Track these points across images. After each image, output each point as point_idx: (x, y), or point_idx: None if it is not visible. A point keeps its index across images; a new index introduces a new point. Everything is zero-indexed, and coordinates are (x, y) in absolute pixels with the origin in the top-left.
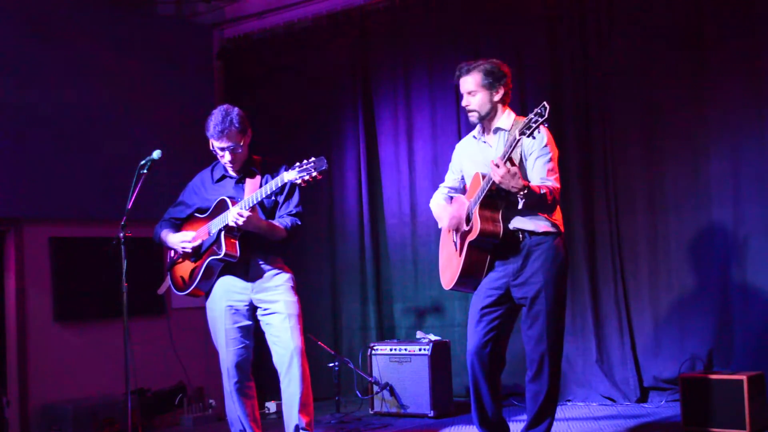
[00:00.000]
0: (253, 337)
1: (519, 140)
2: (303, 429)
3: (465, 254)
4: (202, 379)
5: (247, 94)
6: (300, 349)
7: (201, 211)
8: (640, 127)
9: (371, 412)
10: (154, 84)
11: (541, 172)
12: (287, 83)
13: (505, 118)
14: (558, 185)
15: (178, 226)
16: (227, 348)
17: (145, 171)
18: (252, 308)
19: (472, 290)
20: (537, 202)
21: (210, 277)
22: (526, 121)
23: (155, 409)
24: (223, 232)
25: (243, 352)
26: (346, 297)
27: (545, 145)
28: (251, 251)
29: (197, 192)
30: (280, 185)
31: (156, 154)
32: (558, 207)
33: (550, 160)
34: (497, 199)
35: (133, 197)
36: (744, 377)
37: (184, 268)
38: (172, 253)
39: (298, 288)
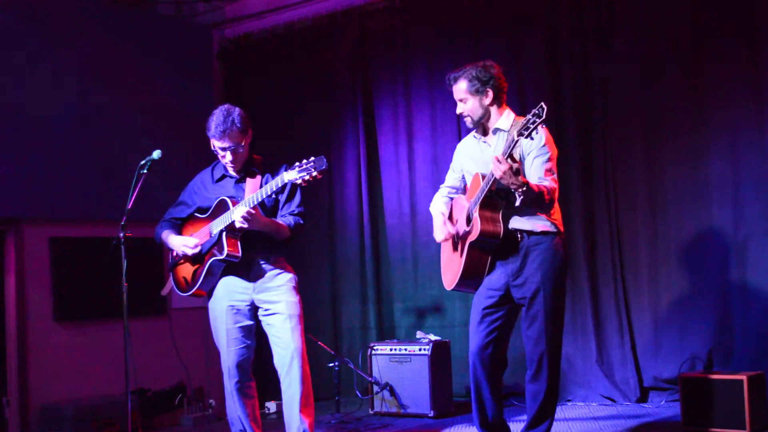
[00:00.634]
0: (255, 337)
1: (517, 141)
2: (304, 430)
3: (466, 255)
4: (202, 379)
5: (247, 94)
6: (300, 349)
7: (201, 210)
8: (640, 128)
9: (371, 412)
10: (154, 84)
11: (539, 172)
12: (287, 83)
13: (504, 119)
14: (555, 185)
15: (178, 226)
16: (228, 348)
17: (145, 171)
18: (253, 308)
19: (474, 291)
20: (534, 200)
21: (212, 278)
22: (524, 122)
23: (155, 409)
24: (224, 233)
25: (244, 352)
26: (346, 297)
27: (543, 145)
28: (253, 251)
29: (198, 192)
30: (280, 185)
31: (156, 154)
32: (557, 206)
33: (549, 159)
34: (497, 200)
35: (133, 197)
36: (744, 377)
37: (187, 269)
38: (174, 253)
39: (299, 288)
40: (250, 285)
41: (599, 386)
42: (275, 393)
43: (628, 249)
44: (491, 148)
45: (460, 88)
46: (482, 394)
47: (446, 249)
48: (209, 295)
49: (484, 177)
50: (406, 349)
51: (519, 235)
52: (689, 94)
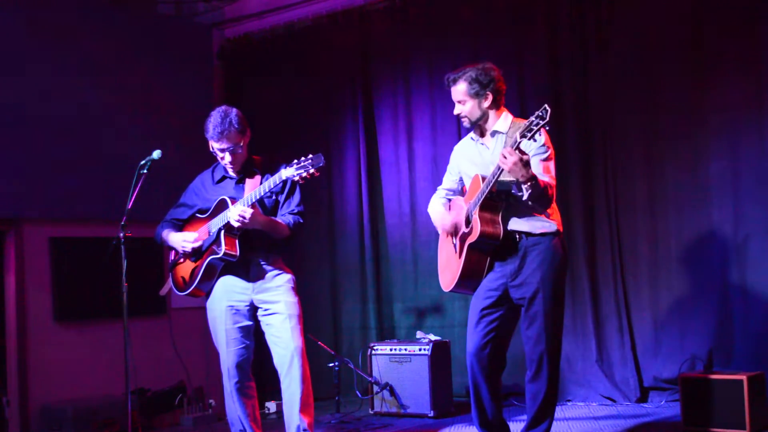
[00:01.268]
0: (254, 337)
1: (520, 142)
2: (304, 429)
3: (465, 256)
4: (202, 379)
5: (247, 94)
6: (300, 349)
7: (202, 211)
8: (640, 127)
9: (371, 412)
10: (154, 84)
11: (538, 169)
12: (287, 83)
13: (502, 121)
14: (554, 183)
15: (179, 227)
16: (228, 348)
17: (145, 171)
18: (252, 308)
19: (472, 292)
20: (540, 195)
21: (211, 277)
22: (527, 123)
23: (155, 409)
24: (222, 231)
25: (243, 352)
26: (346, 297)
27: (543, 144)
28: (252, 251)
29: (198, 193)
30: (278, 182)
31: (156, 154)
32: (556, 207)
33: (547, 158)
34: (497, 201)
35: (133, 197)
36: (744, 377)
37: (185, 268)
38: (174, 253)
39: (299, 288)
40: (249, 285)
41: (599, 386)
42: (275, 393)
43: (628, 249)
44: (489, 151)
45: (459, 89)
46: (481, 395)
47: (443, 250)
48: (208, 295)
49: (484, 179)
50: (406, 349)
51: (518, 236)
52: (689, 94)
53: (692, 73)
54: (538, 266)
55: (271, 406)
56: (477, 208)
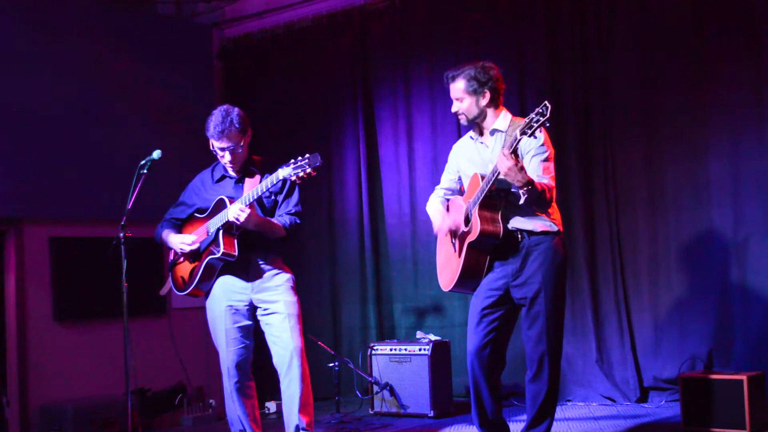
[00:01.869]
0: (253, 337)
1: (519, 140)
2: (303, 429)
3: (465, 255)
4: (202, 379)
5: (247, 94)
6: (300, 349)
7: (201, 211)
8: (640, 127)
9: (371, 412)
10: (154, 84)
11: (537, 170)
12: (287, 83)
13: (501, 120)
14: (553, 184)
15: (179, 226)
16: (227, 348)
17: (145, 171)
18: (252, 308)
19: (472, 291)
20: (537, 198)
21: (210, 277)
22: (528, 120)
23: (155, 409)
24: (221, 231)
25: (243, 352)
26: (346, 297)
27: (542, 144)
28: (251, 251)
29: (197, 192)
30: (275, 182)
31: (156, 154)
32: (556, 206)
33: (547, 159)
34: (496, 200)
35: (133, 197)
36: (744, 377)
37: (185, 268)
38: (173, 253)
39: (298, 288)
40: (249, 285)
41: (599, 386)
42: (275, 393)
43: (628, 249)
44: (489, 149)
45: (458, 87)
46: (481, 395)
47: (442, 249)
48: (207, 294)
49: (483, 177)
50: (406, 349)
51: (519, 235)
52: (689, 94)
53: (692, 73)
54: (540, 266)
55: (271, 405)
56: (476, 207)
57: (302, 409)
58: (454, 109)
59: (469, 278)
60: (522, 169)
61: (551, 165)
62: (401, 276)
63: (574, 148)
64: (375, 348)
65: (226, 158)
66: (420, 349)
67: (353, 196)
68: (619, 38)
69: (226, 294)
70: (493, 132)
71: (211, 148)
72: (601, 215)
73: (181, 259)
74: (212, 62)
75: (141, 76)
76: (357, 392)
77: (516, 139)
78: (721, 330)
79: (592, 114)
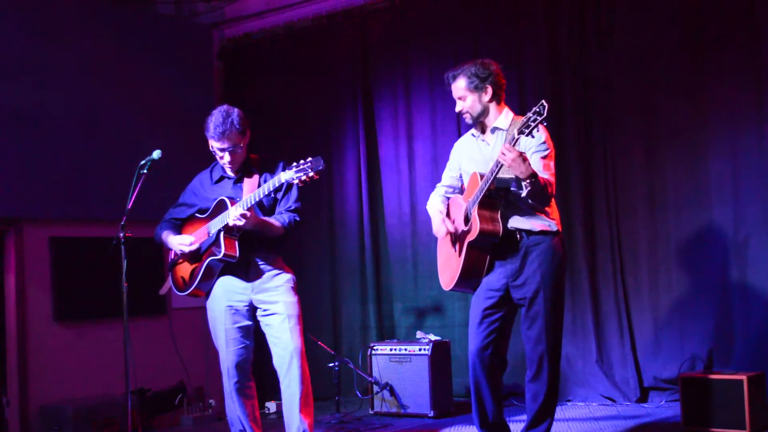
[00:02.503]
0: (254, 337)
1: (518, 139)
2: (303, 430)
3: (465, 255)
4: (202, 379)
5: (247, 94)
6: (300, 349)
7: (201, 211)
8: (640, 127)
9: (371, 412)
10: (154, 84)
11: (538, 166)
12: (287, 83)
13: (503, 118)
14: (553, 180)
15: (178, 226)
16: (227, 348)
17: (145, 171)
18: (252, 308)
19: (472, 291)
20: (540, 192)
21: (210, 278)
22: (525, 120)
23: (155, 409)
24: (222, 233)
25: (243, 353)
26: (346, 297)
27: (543, 142)
28: (251, 251)
29: (197, 193)
30: (277, 185)
31: (156, 154)
32: (555, 206)
33: (547, 156)
34: (496, 199)
35: (133, 197)
36: (744, 377)
37: (185, 269)
38: (173, 253)
39: (299, 288)
40: (249, 285)
41: (599, 386)
42: (275, 393)
43: (628, 249)
44: (490, 147)
45: (459, 85)
46: (482, 395)
47: (443, 249)
48: (207, 295)
49: (482, 176)
50: (406, 349)
51: (518, 235)
52: (689, 94)
53: (692, 73)
54: (539, 266)
55: (271, 406)
56: (476, 206)
57: (302, 409)
58: (457, 109)
59: (469, 278)
60: (525, 160)
61: (551, 162)
62: (401, 276)
63: (574, 148)
64: (375, 348)
65: (225, 159)
66: (420, 349)
67: (353, 196)
68: (619, 38)
69: (226, 294)
70: (494, 130)
71: (210, 148)
72: (601, 215)
73: (182, 260)
74: (212, 62)
75: (141, 76)
76: (357, 392)
77: (514, 138)
78: (721, 330)
79: (592, 114)
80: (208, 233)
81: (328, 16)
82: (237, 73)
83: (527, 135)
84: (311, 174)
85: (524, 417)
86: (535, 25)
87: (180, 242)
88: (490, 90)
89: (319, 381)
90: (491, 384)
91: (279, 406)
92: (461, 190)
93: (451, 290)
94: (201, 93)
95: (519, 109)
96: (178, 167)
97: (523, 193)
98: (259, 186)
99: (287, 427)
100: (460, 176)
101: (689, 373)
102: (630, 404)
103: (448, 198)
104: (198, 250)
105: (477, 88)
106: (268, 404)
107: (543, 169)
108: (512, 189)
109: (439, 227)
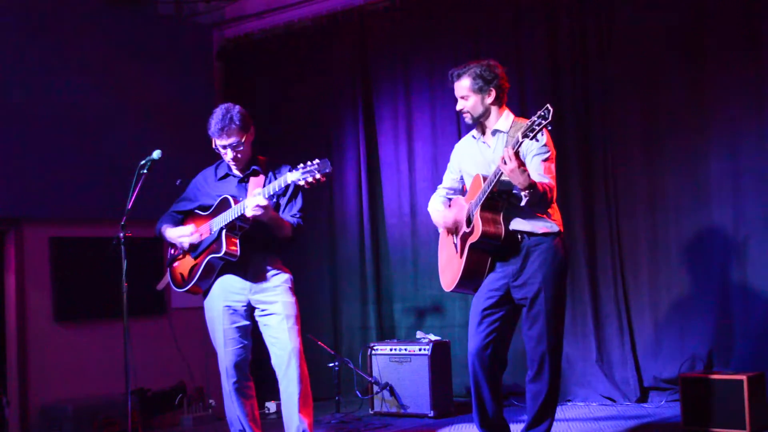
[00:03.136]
0: (251, 337)
1: (521, 142)
2: (303, 430)
3: (466, 256)
4: (202, 379)
5: (247, 94)
6: (298, 349)
7: (203, 208)
8: (640, 128)
9: (371, 412)
10: (154, 84)
11: (538, 169)
12: (287, 83)
13: (504, 120)
14: (554, 183)
15: (180, 221)
16: (225, 348)
17: (145, 171)
18: (250, 308)
19: (473, 292)
20: (539, 200)
21: (209, 276)
22: (530, 123)
23: (155, 409)
24: (224, 231)
25: (241, 352)
26: (346, 297)
27: (544, 144)
28: (251, 251)
29: (200, 189)
30: (283, 186)
31: (156, 154)
32: (556, 207)
33: (548, 159)
34: (498, 201)
35: (133, 197)
36: (744, 377)
37: (184, 265)
38: (173, 249)
39: (298, 288)
40: (247, 285)
41: (599, 386)
42: (275, 393)
43: (628, 249)
44: (491, 149)
45: (463, 85)
46: (482, 395)
47: (444, 250)
48: (205, 293)
49: (485, 178)
50: (406, 349)
51: (519, 236)
52: (689, 95)
53: (692, 73)
54: (540, 266)
55: (271, 406)
56: (478, 208)
57: (302, 409)
58: (458, 108)
59: (470, 279)
60: (524, 171)
61: (552, 165)
62: (401, 276)
63: (574, 149)
64: (375, 348)
65: (228, 155)
66: (420, 349)
67: (353, 196)
68: (619, 39)
69: (225, 294)
70: (494, 132)
71: (213, 147)
72: (601, 215)
73: (181, 255)
74: (212, 62)
75: (141, 76)
76: (357, 392)
77: (518, 141)
78: (721, 330)
79: (592, 114)
80: (210, 230)
81: (328, 16)
82: (237, 73)
83: (531, 138)
84: (318, 176)
85: (524, 417)
86: (535, 25)
87: (180, 234)
88: (493, 93)
89: (319, 381)
90: (491, 384)
91: (279, 407)
92: (462, 192)
93: (452, 291)
94: (201, 93)
95: (519, 110)
96: (178, 167)
97: (522, 203)
98: (263, 187)
99: (286, 427)
100: (461, 178)
101: (689, 373)
102: (630, 404)
103: (449, 200)
104: (198, 246)
105: (481, 90)
106: (267, 404)
107: (544, 172)
108: (515, 192)
109: (445, 217)
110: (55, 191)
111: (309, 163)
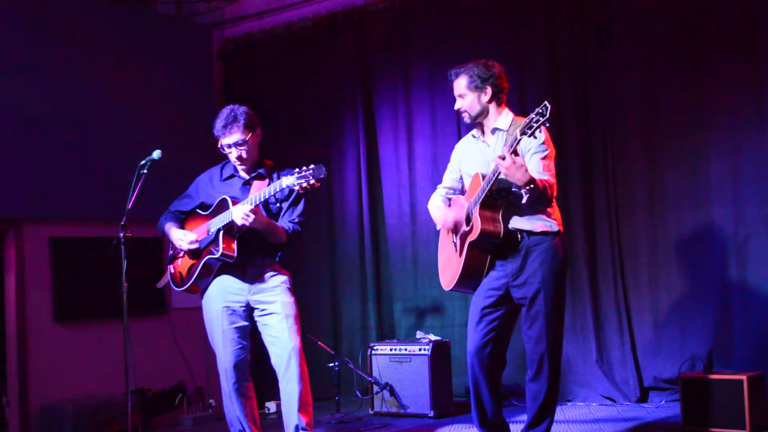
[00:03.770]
0: (250, 338)
1: (520, 140)
2: (303, 429)
3: (465, 255)
4: (202, 379)
5: (247, 94)
6: (298, 349)
7: (204, 207)
8: (640, 127)
9: (371, 412)
10: (154, 84)
11: (537, 167)
12: (287, 83)
13: (503, 118)
14: (554, 181)
15: (181, 219)
16: (225, 349)
17: (145, 171)
18: (249, 309)
19: (472, 290)
20: (539, 197)
21: (207, 275)
22: (527, 120)
23: (155, 409)
24: (221, 232)
25: (241, 353)
26: (346, 297)
27: (542, 143)
28: (249, 252)
29: (204, 187)
30: (278, 189)
31: (156, 154)
32: (556, 206)
33: (547, 157)
34: (497, 199)
35: (133, 197)
36: (744, 377)
37: (183, 264)
38: (172, 247)
39: (298, 288)
40: (246, 286)
41: (599, 386)
42: (274, 393)
43: (628, 249)
44: (490, 148)
45: (460, 83)
46: (481, 394)
47: (444, 249)
48: (203, 293)
49: (484, 177)
50: (406, 349)
51: (519, 235)
52: (689, 94)
53: (692, 73)
54: (540, 266)
55: (271, 406)
56: (477, 207)
57: (301, 408)
58: (456, 107)
59: (469, 277)
60: (522, 167)
61: (551, 163)
62: (401, 276)
63: (574, 148)
64: (375, 348)
65: (233, 154)
66: (420, 349)
67: (353, 196)
68: (619, 38)
69: (223, 295)
70: (494, 131)
71: (219, 147)
72: (601, 215)
73: (181, 254)
74: (212, 62)
75: (141, 76)
76: (357, 392)
77: (516, 139)
78: (721, 330)
79: (592, 114)
80: (208, 231)
81: (328, 16)
82: (237, 73)
83: (529, 136)
84: (312, 181)
85: (524, 417)
86: (535, 25)
87: (180, 238)
88: (489, 91)
89: (319, 381)
90: (490, 383)
91: (279, 406)
92: (462, 192)
93: (451, 290)
94: (201, 93)
95: (519, 110)
96: (177, 167)
97: (523, 200)
98: None
99: (286, 426)
100: (461, 178)
101: (689, 373)
102: (630, 404)
103: (449, 199)
104: (197, 246)
105: (477, 88)
106: (267, 404)
107: (543, 170)
108: (514, 190)
109: (445, 216)
110: (55, 191)
111: (304, 168)
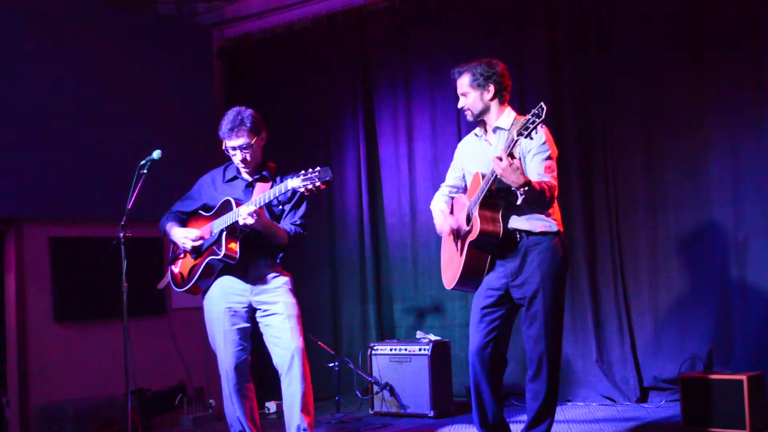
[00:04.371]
0: (251, 339)
1: (517, 140)
2: (304, 429)
3: (466, 254)
4: (202, 379)
5: (247, 94)
6: (301, 349)
7: (207, 209)
8: (640, 127)
9: (371, 412)
10: (154, 84)
11: (538, 168)
12: (287, 83)
13: (505, 117)
14: (555, 183)
15: (183, 220)
16: (226, 350)
17: (145, 171)
18: (251, 310)
19: (474, 290)
20: (536, 199)
21: (209, 276)
22: (524, 121)
23: (155, 409)
24: (224, 233)
25: (241, 354)
26: (346, 297)
27: (543, 143)
28: (251, 253)
29: (206, 189)
30: (283, 191)
31: (156, 154)
32: (557, 206)
33: (548, 157)
34: (497, 199)
35: (133, 197)
36: (744, 377)
37: (185, 265)
38: (174, 248)
39: (298, 288)
40: (248, 287)
41: (599, 386)
42: (275, 393)
43: (628, 249)
44: (492, 147)
45: (463, 81)
46: (482, 394)
47: (446, 248)
48: (204, 293)
49: (484, 176)
50: (406, 349)
51: (518, 235)
52: (689, 94)
53: (692, 73)
54: (539, 266)
55: (271, 406)
56: (477, 206)
57: (303, 408)
58: (459, 105)
59: (470, 277)
60: (517, 169)
61: (553, 164)
62: (401, 276)
63: (574, 149)
64: (375, 348)
65: (237, 157)
66: (420, 349)
67: (353, 196)
68: (619, 38)
69: (225, 296)
70: (495, 130)
71: (223, 149)
72: (601, 215)
73: (182, 255)
74: (212, 62)
75: (141, 75)
76: (357, 392)
77: (513, 140)
78: (721, 330)
79: (592, 114)
80: (211, 232)
81: (328, 16)
82: (237, 73)
83: (526, 137)
84: (318, 184)
85: (524, 417)
86: (535, 25)
87: (185, 235)
88: (492, 89)
89: (319, 381)
90: (491, 383)
91: (279, 406)
92: (465, 190)
93: (452, 289)
94: (201, 93)
95: (519, 109)
96: (178, 167)
97: (518, 201)
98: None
99: (287, 426)
100: (464, 176)
101: (689, 373)
102: (630, 404)
103: (452, 198)
104: (199, 247)
105: (479, 86)
106: (268, 404)
107: (544, 171)
108: (513, 189)
109: (443, 224)
110: (55, 191)
111: (310, 170)
